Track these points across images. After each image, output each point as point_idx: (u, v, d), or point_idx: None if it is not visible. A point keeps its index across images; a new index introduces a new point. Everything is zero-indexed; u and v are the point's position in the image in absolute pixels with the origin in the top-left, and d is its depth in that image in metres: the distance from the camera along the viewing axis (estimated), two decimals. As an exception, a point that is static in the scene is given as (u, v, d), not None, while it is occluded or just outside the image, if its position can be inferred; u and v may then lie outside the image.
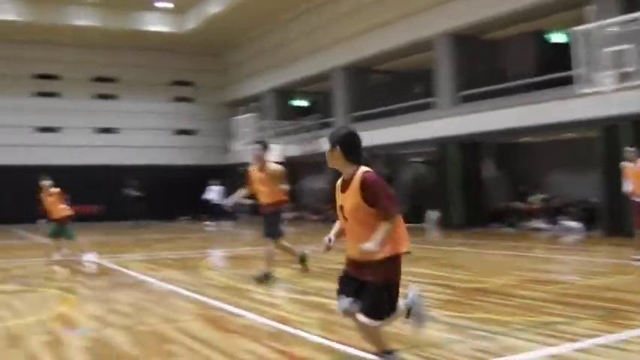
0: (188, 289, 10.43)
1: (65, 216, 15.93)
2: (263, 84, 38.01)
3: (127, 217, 32.33)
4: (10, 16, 35.16)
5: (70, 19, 36.32)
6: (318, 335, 6.97)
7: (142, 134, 40.41)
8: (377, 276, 5.09)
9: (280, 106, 37.43)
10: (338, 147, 5.30)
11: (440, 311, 7.94)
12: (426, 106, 26.99)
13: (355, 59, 30.60)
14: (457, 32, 25.15)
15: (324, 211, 31.98)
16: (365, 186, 5.04)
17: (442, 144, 25.49)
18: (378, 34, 28.68)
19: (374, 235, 4.97)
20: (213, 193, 30.49)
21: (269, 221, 11.35)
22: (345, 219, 5.22)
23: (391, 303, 5.19)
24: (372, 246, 4.92)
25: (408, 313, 5.55)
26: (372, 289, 5.10)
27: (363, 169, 5.19)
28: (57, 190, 16.07)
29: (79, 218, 35.57)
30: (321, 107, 36.89)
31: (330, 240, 5.36)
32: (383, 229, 4.97)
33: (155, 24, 38.14)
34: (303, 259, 12.20)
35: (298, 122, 35.25)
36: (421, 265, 12.78)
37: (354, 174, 5.18)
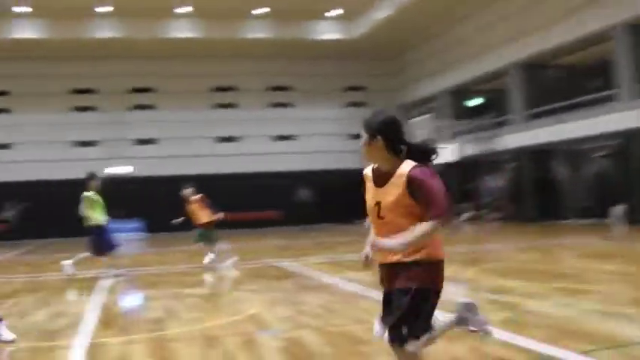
0: (374, 290, 10.44)
1: (208, 222, 16.38)
2: (437, 84, 37.72)
3: (300, 222, 32.88)
4: (189, 34, 36.88)
5: (245, 33, 37.64)
6: (511, 334, 6.78)
7: (317, 140, 41.11)
8: (411, 281, 4.20)
9: (455, 106, 37.03)
10: (379, 136, 4.35)
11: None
12: (604, 100, 25.94)
13: (531, 55, 29.84)
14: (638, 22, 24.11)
15: (503, 209, 31.31)
16: (415, 183, 4.08)
17: (625, 137, 24.37)
18: (554, 28, 27.88)
19: (408, 231, 4.07)
20: None
21: None
22: (381, 217, 4.25)
23: (427, 317, 4.33)
24: (397, 243, 4.04)
25: (463, 322, 4.80)
26: (405, 299, 4.21)
27: (410, 163, 4.19)
28: (198, 196, 16.64)
29: (258, 224, 36.86)
30: (496, 105, 36.17)
31: (367, 256, 4.51)
32: (423, 226, 4.02)
33: (326, 32, 38.79)
34: None
35: (474, 121, 34.72)
36: (613, 262, 12.21)
37: (395, 167, 4.21)
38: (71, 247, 27.02)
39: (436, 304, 4.33)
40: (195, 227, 16.56)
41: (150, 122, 40.09)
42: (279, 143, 41.21)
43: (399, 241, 4.04)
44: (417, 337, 4.25)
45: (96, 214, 14.81)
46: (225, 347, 6.93)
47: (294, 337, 7.28)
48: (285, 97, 42.42)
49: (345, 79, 42.82)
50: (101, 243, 14.99)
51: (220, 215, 16.51)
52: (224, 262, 16.27)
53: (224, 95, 41.56)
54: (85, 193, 14.77)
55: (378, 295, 9.74)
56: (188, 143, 39.71)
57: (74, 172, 37.08)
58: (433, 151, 4.31)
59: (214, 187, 38.04)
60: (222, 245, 17.22)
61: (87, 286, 13.51)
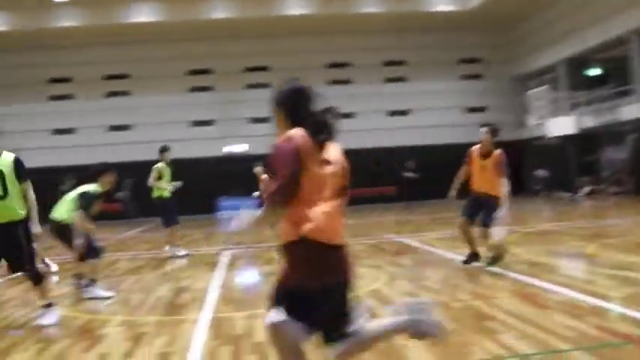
0: (497, 266, 10.23)
1: None
2: (555, 54, 36.57)
3: (409, 198, 32.47)
4: (302, 11, 37.11)
5: (357, 8, 37.54)
6: (634, 311, 6.51)
7: (431, 114, 40.66)
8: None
9: (574, 77, 35.81)
10: (280, 108, 4.43)
11: None
12: None
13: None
14: None
15: (624, 182, 30.25)
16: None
17: None
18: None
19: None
20: None
21: (489, 210, 10.19)
22: None
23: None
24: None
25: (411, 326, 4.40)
26: None
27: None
28: (265, 176, 16.48)
29: (375, 199, 36.78)
30: (617, 75, 34.83)
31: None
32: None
33: (439, 4, 38.17)
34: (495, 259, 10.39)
35: (593, 92, 33.56)
36: None
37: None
38: (188, 225, 27.75)
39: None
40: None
41: (265, 100, 40.30)
42: (393, 118, 40.93)
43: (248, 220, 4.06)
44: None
45: (162, 186, 15.12)
46: (348, 322, 6.91)
47: (417, 312, 7.18)
48: (398, 71, 42.02)
49: (459, 51, 42.03)
50: (163, 216, 15.38)
51: None
52: None
53: (338, 71, 41.56)
54: (157, 165, 15.05)
55: (500, 270, 9.59)
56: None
57: (192, 151, 38.11)
58: (323, 126, 4.26)
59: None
60: None
61: (209, 261, 13.80)
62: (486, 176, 10.25)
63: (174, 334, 6.86)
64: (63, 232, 9.72)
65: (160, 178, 14.95)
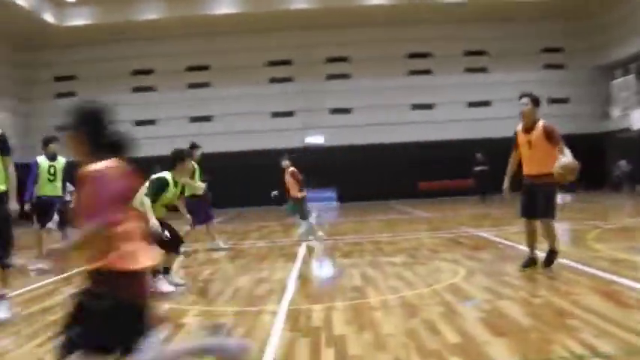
0: (577, 262, 10.03)
1: (297, 196, 16.52)
2: (641, 42, 35.54)
3: (478, 191, 31.90)
4: (383, 1, 36.97)
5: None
6: None
7: (512, 105, 39.95)
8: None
9: (662, 66, 34.76)
10: (80, 130, 4.18)
11: None
12: None
13: None
14: None
15: None
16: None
17: None
18: None
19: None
20: None
21: (546, 196, 9.26)
22: None
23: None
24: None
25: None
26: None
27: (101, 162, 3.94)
28: (291, 170, 16.67)
29: (452, 192, 36.41)
30: None
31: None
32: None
33: (521, -8, 37.59)
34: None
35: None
36: None
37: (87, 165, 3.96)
38: (267, 216, 27.98)
39: None
40: (289, 199, 16.82)
41: (345, 91, 40.49)
42: (473, 109, 40.45)
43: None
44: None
45: (193, 185, 15.00)
46: (424, 316, 6.88)
47: (495, 308, 7.10)
48: (479, 61, 41.54)
49: (541, 40, 41.23)
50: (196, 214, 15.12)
51: (299, 194, 16.60)
52: (311, 237, 16.40)
53: (418, 62, 41.29)
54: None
55: (581, 267, 9.38)
56: (382, 111, 39.83)
57: (272, 142, 38.37)
58: (120, 147, 4.14)
59: (409, 155, 38.23)
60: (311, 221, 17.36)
61: (287, 253, 13.89)
62: (534, 153, 9.18)
63: (253, 325, 6.92)
64: None
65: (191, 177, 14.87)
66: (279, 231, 20.51)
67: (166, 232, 9.47)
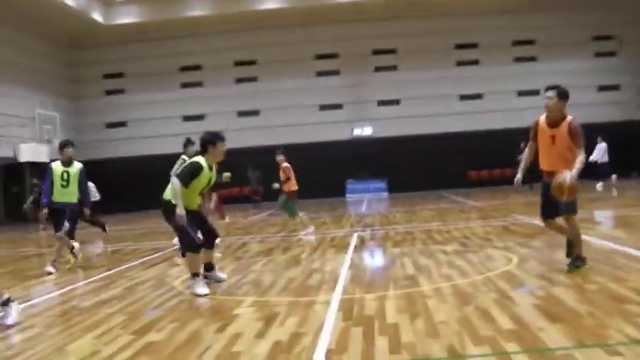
0: (632, 248, 9.89)
1: (289, 191, 16.81)
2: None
3: (526, 181, 31.41)
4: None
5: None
6: None
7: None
8: None
9: None
10: None
11: None
12: None
13: None
14: None
15: None
16: None
17: None
18: None
19: None
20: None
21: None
22: None
23: None
24: None
25: None
26: None
27: None
28: (284, 165, 16.85)
29: (502, 181, 36.09)
30: None
31: None
32: None
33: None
34: None
35: None
36: None
37: None
38: (317, 208, 28.06)
39: None
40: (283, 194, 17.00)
41: (392, 83, 40.37)
42: (523, 99, 39.97)
43: None
44: None
45: None
46: (478, 304, 6.85)
47: (550, 295, 7.05)
48: (528, 51, 41.05)
49: (593, 28, 40.56)
50: None
51: (290, 189, 16.98)
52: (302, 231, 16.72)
53: (466, 52, 40.98)
54: (182, 157, 14.90)
55: (636, 252, 9.25)
56: (430, 102, 39.63)
57: (320, 135, 38.50)
58: None
59: (456, 145, 37.99)
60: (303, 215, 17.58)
61: (338, 244, 13.93)
62: (558, 150, 8.33)
63: (306, 315, 6.95)
64: (167, 212, 8.95)
65: None
66: (330, 222, 20.55)
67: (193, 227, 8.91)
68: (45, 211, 12.31)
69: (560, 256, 9.62)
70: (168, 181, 8.99)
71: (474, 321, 6.13)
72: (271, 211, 27.46)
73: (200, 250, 8.96)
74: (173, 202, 8.72)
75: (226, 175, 10.75)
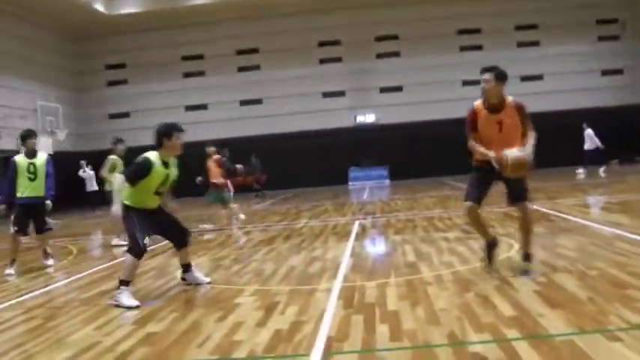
0: (634, 233, 9.87)
1: (217, 182, 16.89)
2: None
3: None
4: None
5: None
6: None
7: (565, 79, 39.32)
8: None
9: None
10: None
11: None
12: None
13: None
14: None
15: None
16: None
17: None
18: None
19: None
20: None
21: (519, 179, 7.70)
22: None
23: None
24: None
25: None
26: None
27: None
28: (216, 157, 17.02)
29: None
30: None
31: None
32: None
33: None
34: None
35: None
36: None
37: None
38: (319, 196, 28.05)
39: None
40: (210, 187, 17.01)
41: (395, 70, 40.26)
42: (526, 84, 39.84)
43: None
44: None
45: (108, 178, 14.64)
46: (479, 290, 6.85)
47: (551, 281, 7.03)
48: (530, 35, 40.87)
49: (596, 11, 40.34)
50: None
51: (220, 181, 17.03)
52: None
53: (468, 38, 40.77)
54: (110, 157, 14.70)
55: (637, 237, 9.22)
56: (433, 89, 39.53)
57: (324, 122, 38.50)
58: None
59: (458, 132, 37.97)
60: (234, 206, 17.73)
61: (340, 232, 13.93)
62: (507, 135, 7.67)
63: (307, 303, 6.95)
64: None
65: (113, 170, 14.48)
66: (332, 210, 20.54)
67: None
68: (2, 207, 11.53)
69: (563, 242, 9.63)
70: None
71: (474, 308, 6.13)
72: (273, 200, 27.46)
73: (141, 257, 7.96)
74: (127, 203, 8.03)
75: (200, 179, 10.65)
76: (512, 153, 7.29)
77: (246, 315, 6.69)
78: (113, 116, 41.75)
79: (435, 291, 7.03)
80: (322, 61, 41.14)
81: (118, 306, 7.62)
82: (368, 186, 34.63)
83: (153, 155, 8.08)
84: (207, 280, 8.80)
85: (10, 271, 11.17)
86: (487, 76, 7.77)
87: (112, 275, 10.14)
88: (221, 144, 18.62)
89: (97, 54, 41.83)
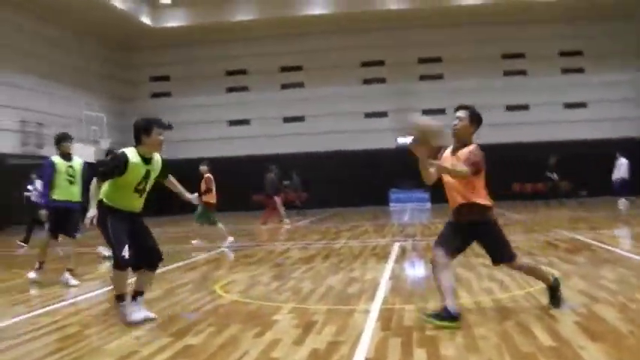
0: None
1: (208, 202, 16.81)
2: None
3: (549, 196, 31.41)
4: (473, 0, 36.63)
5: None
6: None
7: (607, 107, 38.90)
8: None
9: None
10: None
11: None
12: None
13: None
14: None
15: None
16: None
17: None
18: None
19: None
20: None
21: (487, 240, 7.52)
22: None
23: None
24: None
25: None
26: None
27: None
28: (207, 176, 17.05)
29: (545, 195, 35.66)
30: None
31: None
32: None
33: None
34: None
35: None
36: None
37: None
38: (358, 217, 28.01)
39: None
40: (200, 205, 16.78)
41: (437, 92, 40.16)
42: (570, 111, 39.54)
43: None
44: None
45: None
46: (518, 319, 6.78)
47: (591, 312, 6.95)
48: (575, 62, 40.53)
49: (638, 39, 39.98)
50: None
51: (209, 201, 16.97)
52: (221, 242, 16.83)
53: (513, 62, 40.64)
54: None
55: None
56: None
57: (366, 142, 38.49)
58: None
59: (501, 156, 37.71)
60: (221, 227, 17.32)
61: (379, 253, 13.90)
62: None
63: (344, 324, 6.94)
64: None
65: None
66: (372, 231, 20.51)
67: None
68: (43, 212, 11.17)
69: (604, 273, 9.52)
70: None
71: (514, 336, 6.07)
72: (312, 218, 27.51)
73: (126, 268, 7.32)
74: (105, 202, 7.44)
75: None
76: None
77: (284, 332, 6.69)
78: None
79: (474, 317, 6.98)
80: (365, 81, 41.23)
81: (126, 323, 7.31)
82: (408, 208, 34.52)
83: (130, 150, 7.44)
84: (153, 315, 7.64)
85: (34, 275, 11.08)
86: (461, 113, 7.54)
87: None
88: (263, 160, 18.75)
89: (142, 65, 42.47)
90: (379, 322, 6.93)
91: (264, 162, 18.33)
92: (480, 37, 39.72)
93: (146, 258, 7.53)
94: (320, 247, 15.73)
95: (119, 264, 7.25)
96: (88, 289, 10.39)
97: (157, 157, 7.75)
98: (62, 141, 11.18)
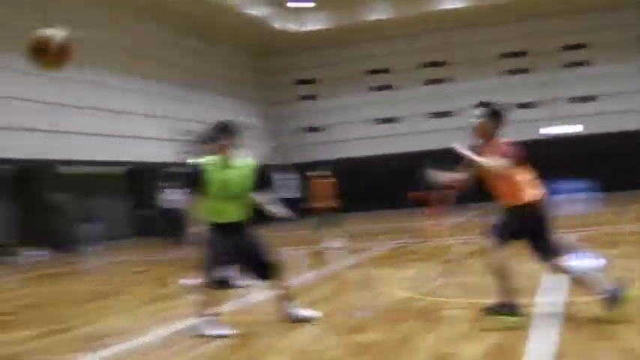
0: None
1: (320, 207, 16.69)
2: None
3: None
4: None
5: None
6: None
7: (618, 99, 36.97)
8: None
9: None
10: None
11: None
12: None
13: None
14: None
15: None
16: None
17: None
18: None
19: None
20: None
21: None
22: None
23: None
24: None
25: None
26: None
27: None
28: (319, 180, 16.97)
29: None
30: None
31: None
32: None
33: None
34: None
35: None
36: None
37: None
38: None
39: None
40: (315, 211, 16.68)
41: (582, 79, 38.86)
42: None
43: None
44: None
45: None
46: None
47: None
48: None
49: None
50: None
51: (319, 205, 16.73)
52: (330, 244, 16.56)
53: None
54: None
55: None
56: (626, 99, 37.74)
57: (516, 134, 37.64)
58: None
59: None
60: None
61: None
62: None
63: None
64: None
65: None
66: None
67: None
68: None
69: None
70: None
71: None
72: (473, 212, 27.13)
73: (213, 287, 7.01)
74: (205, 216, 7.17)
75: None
76: None
77: (455, 328, 6.61)
78: (305, 130, 42.79)
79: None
80: (509, 72, 40.44)
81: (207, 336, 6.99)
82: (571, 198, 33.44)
83: (204, 158, 7.15)
84: (317, 314, 7.50)
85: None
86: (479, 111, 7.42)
87: (321, 285, 10.32)
88: (409, 158, 18.58)
89: (286, 69, 43.26)
90: (557, 317, 6.70)
91: (417, 159, 18.11)
92: (628, 21, 38.19)
93: (257, 270, 7.34)
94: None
95: (207, 281, 7.03)
96: (256, 289, 10.58)
97: (244, 161, 7.42)
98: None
